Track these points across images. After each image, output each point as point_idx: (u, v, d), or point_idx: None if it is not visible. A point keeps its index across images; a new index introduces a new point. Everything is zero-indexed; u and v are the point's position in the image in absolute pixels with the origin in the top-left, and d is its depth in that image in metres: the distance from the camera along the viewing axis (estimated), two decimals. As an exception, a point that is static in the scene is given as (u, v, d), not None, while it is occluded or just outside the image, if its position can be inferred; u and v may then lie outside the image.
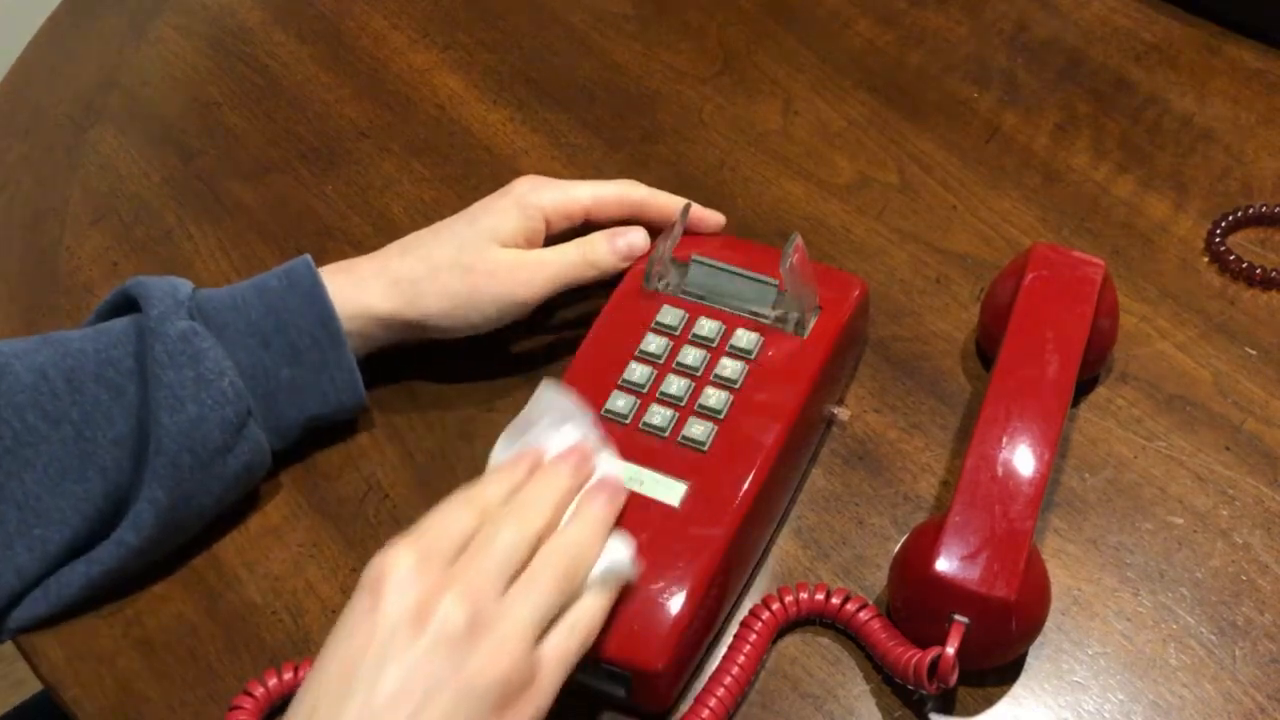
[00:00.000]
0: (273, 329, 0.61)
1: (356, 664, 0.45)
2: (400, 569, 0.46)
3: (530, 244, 0.64)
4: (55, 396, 0.57)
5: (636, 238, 0.64)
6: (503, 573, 0.47)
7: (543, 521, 0.50)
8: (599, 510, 0.51)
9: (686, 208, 0.65)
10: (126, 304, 0.61)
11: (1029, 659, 0.57)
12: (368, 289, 0.62)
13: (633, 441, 0.58)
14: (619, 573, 0.50)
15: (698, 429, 0.58)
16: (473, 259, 0.63)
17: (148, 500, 0.57)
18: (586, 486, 0.53)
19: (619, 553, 0.50)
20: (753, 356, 0.60)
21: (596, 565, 0.50)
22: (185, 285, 0.61)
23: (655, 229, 0.66)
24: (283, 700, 0.56)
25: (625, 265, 0.64)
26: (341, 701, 0.45)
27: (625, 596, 0.53)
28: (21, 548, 0.57)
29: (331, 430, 0.65)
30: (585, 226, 0.66)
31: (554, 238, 0.66)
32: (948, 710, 0.56)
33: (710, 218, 0.67)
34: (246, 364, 0.60)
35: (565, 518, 0.51)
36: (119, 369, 0.58)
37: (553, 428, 0.54)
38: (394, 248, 0.65)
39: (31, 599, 0.58)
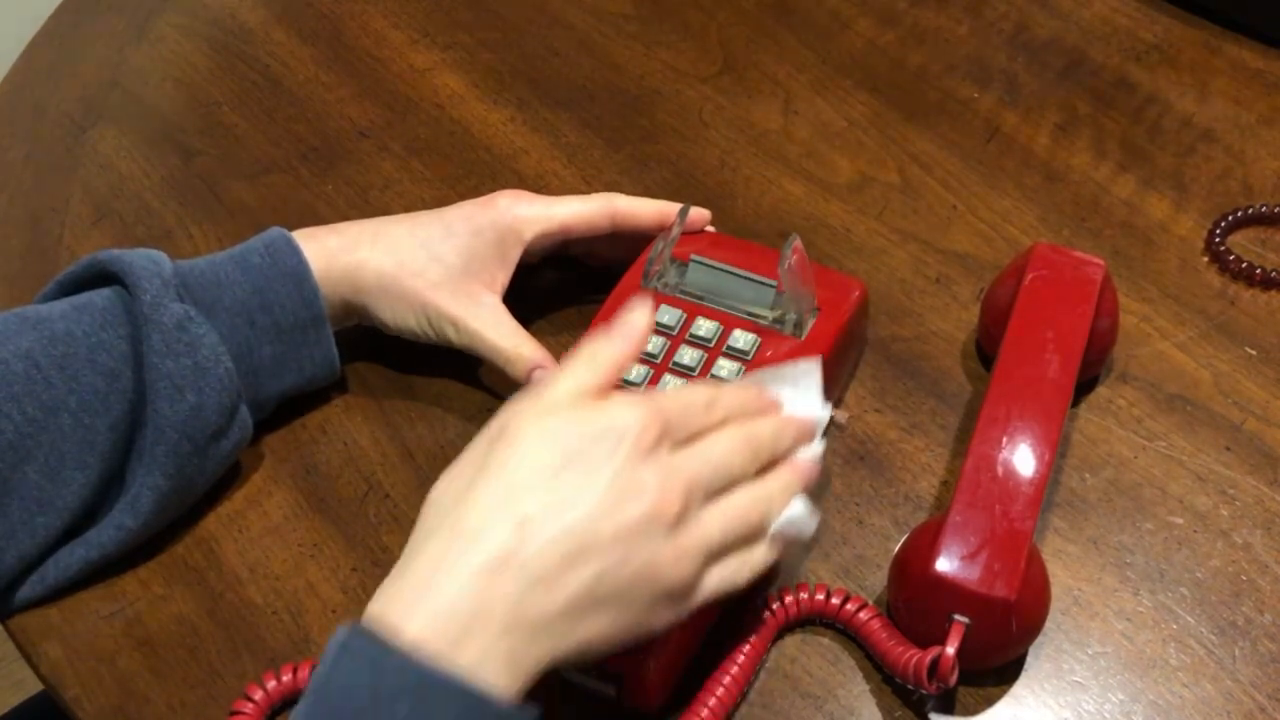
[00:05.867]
0: (258, 308, 0.61)
1: (585, 465, 0.46)
2: (638, 427, 0.47)
3: (501, 262, 0.65)
4: (50, 385, 0.57)
5: (550, 365, 0.63)
6: (714, 485, 0.48)
7: (757, 463, 0.51)
8: (796, 478, 0.52)
9: (685, 208, 0.65)
10: (98, 277, 0.61)
11: (1029, 659, 0.57)
12: (334, 266, 0.63)
13: None
14: (798, 526, 0.51)
15: (696, 429, 0.58)
16: (423, 270, 0.63)
17: (147, 486, 0.57)
18: (796, 459, 0.53)
19: (799, 509, 0.51)
20: (749, 358, 0.60)
21: (777, 520, 0.51)
22: (165, 261, 0.60)
23: (642, 237, 0.66)
24: (283, 703, 0.56)
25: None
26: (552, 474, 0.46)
27: None
28: (25, 536, 0.57)
29: (331, 430, 0.66)
30: (564, 243, 0.67)
31: (534, 252, 0.66)
32: (948, 710, 0.56)
33: (697, 215, 0.67)
34: (232, 342, 0.60)
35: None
36: (112, 353, 0.58)
37: (800, 393, 0.55)
38: (366, 229, 0.65)
39: (29, 582, 0.58)
